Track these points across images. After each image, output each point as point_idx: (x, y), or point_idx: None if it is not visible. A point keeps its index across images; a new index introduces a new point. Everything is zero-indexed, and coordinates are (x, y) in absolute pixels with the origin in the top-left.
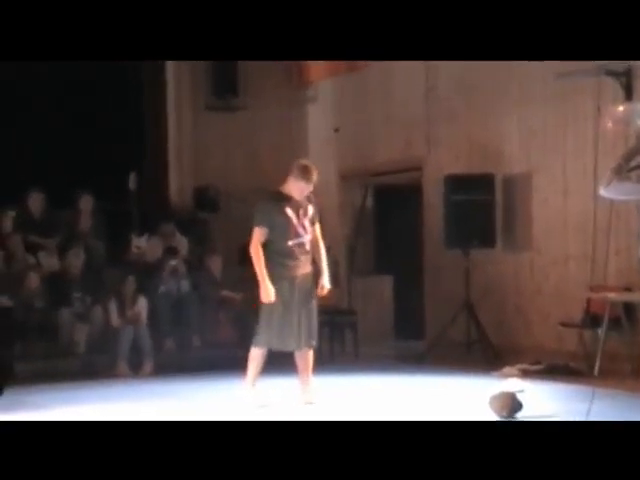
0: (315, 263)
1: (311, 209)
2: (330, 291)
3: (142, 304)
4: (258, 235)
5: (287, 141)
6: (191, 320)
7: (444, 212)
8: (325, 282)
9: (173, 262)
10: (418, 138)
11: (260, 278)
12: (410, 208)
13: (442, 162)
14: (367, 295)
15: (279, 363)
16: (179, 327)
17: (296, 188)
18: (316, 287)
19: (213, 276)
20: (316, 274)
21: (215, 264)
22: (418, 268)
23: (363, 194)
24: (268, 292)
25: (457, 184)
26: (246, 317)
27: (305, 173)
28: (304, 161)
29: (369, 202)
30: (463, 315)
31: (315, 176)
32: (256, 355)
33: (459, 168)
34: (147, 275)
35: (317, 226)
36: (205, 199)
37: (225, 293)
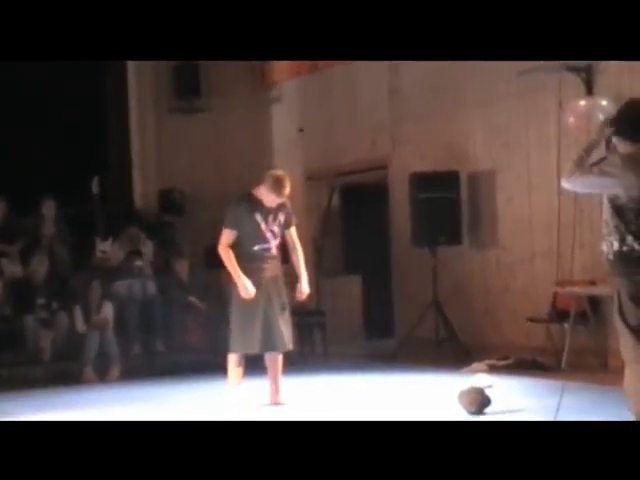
0: (289, 265)
1: (282, 215)
2: (308, 295)
3: (108, 309)
4: (226, 237)
5: (252, 142)
6: (158, 324)
7: (410, 210)
8: (304, 286)
9: (139, 263)
10: (383, 137)
11: (235, 275)
12: (377, 207)
13: (407, 160)
14: (336, 295)
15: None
16: (146, 331)
17: (267, 197)
18: (293, 291)
19: (180, 279)
20: (294, 278)
21: (182, 267)
22: (386, 267)
23: (329, 194)
24: (246, 287)
25: (423, 182)
26: (214, 321)
27: (277, 186)
28: (278, 173)
29: (336, 202)
30: (431, 313)
31: (288, 189)
32: (230, 360)
33: (424, 166)
34: (112, 279)
35: (293, 229)
36: (170, 202)
37: (192, 300)
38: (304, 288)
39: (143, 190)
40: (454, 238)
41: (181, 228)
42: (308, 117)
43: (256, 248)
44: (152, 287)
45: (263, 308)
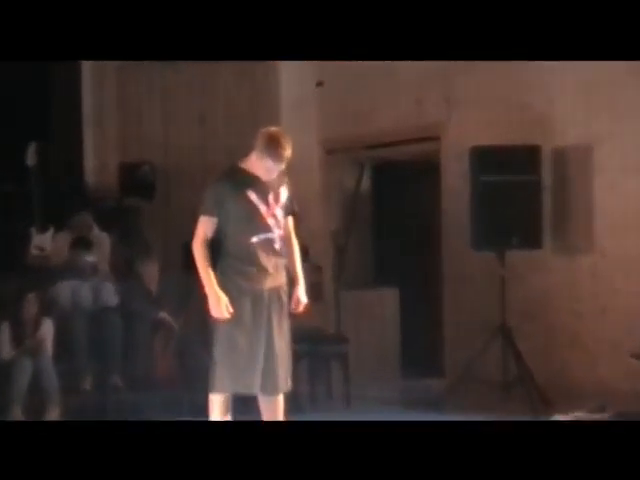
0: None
1: (284, 191)
2: (307, 307)
3: (46, 328)
4: (204, 227)
5: (250, 100)
6: (115, 348)
7: (470, 199)
8: (300, 294)
9: (89, 258)
10: (433, 95)
11: (205, 283)
12: (422, 194)
13: (468, 129)
14: (363, 315)
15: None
16: (98, 358)
17: (261, 167)
18: (289, 302)
19: (146, 287)
20: (288, 284)
21: (149, 270)
22: (434, 277)
23: (357, 174)
24: (218, 303)
25: (488, 160)
26: (192, 346)
27: (273, 147)
28: (271, 130)
29: (365, 185)
30: (497, 343)
31: (288, 151)
32: (215, 402)
33: (491, 138)
34: (53, 286)
35: (290, 218)
36: (136, 181)
37: (162, 316)
38: (301, 296)
39: (97, 163)
40: (531, 239)
41: (149, 216)
42: (329, 66)
43: (254, 240)
44: (108, 294)
45: (265, 332)
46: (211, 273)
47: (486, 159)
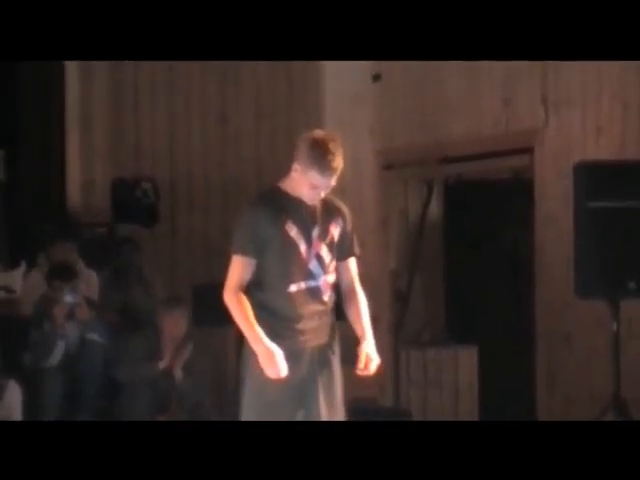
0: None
1: (335, 226)
2: (378, 365)
3: (13, 395)
4: (238, 270)
5: (286, 98)
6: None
7: (574, 231)
8: (370, 350)
9: (69, 298)
10: (526, 94)
11: (251, 338)
12: (510, 223)
13: (571, 139)
14: (430, 382)
15: None
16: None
17: (304, 184)
18: (354, 362)
19: (148, 342)
20: (351, 341)
21: (169, 320)
22: (524, 333)
23: (424, 197)
24: (272, 360)
25: (599, 179)
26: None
27: (319, 155)
28: (317, 133)
29: (435, 210)
30: (609, 419)
31: (339, 160)
32: None
33: (602, 150)
34: (23, 340)
35: (352, 261)
36: (132, 203)
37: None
38: (372, 354)
39: (84, 179)
40: None
41: (150, 249)
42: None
43: (292, 290)
44: (95, 350)
45: (303, 401)
46: (256, 324)
47: (596, 178)
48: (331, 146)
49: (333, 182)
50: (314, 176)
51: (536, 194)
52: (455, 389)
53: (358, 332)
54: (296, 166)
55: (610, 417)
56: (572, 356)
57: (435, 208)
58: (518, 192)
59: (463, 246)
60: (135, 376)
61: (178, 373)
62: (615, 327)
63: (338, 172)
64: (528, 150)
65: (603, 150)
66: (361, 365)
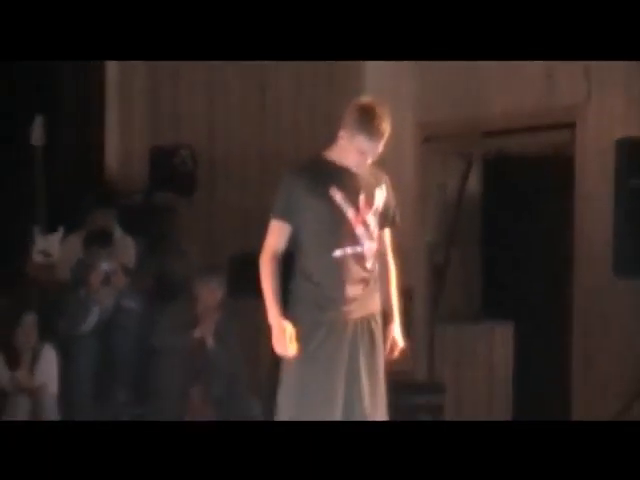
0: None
1: (381, 194)
2: (402, 351)
3: (48, 360)
4: (275, 235)
5: (326, 67)
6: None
7: (615, 209)
8: (396, 334)
9: (105, 265)
10: (569, 68)
11: (269, 310)
12: (550, 199)
13: (614, 114)
14: (465, 357)
15: None
16: (115, 401)
17: (353, 150)
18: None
19: (184, 312)
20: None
21: (205, 290)
22: (561, 311)
23: (463, 170)
24: (282, 336)
25: None
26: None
27: (367, 120)
28: (364, 100)
29: (473, 185)
30: None
31: (386, 125)
32: None
33: None
34: (59, 305)
35: (388, 231)
36: (170, 171)
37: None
38: (397, 336)
39: (122, 147)
40: None
41: (188, 217)
42: None
43: (337, 254)
44: (130, 317)
45: (345, 374)
46: (276, 297)
47: (638, 156)
48: (378, 110)
49: (380, 147)
50: (362, 141)
51: (577, 171)
52: (490, 365)
53: (386, 308)
54: (342, 133)
55: None
56: (609, 336)
57: (474, 182)
58: (558, 168)
59: (501, 222)
60: (170, 344)
61: (211, 342)
62: None
63: (385, 137)
64: (569, 125)
65: None
66: (387, 350)
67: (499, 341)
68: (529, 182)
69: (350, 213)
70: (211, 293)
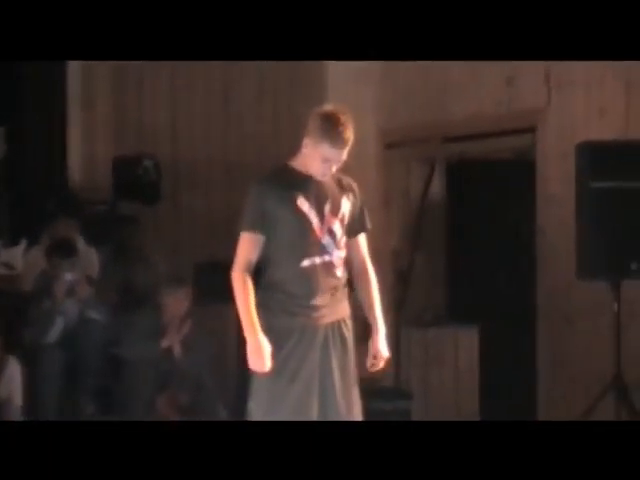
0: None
1: (346, 201)
2: (387, 361)
3: (12, 372)
4: (246, 248)
5: (288, 74)
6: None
7: (576, 211)
8: (380, 345)
9: (68, 276)
10: (529, 73)
11: (245, 325)
12: (512, 203)
13: (574, 118)
14: (430, 362)
15: None
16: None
17: (317, 158)
18: (359, 343)
19: (148, 321)
20: (359, 327)
21: (172, 300)
22: (525, 314)
23: (426, 176)
24: (259, 354)
25: (602, 160)
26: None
27: (330, 127)
28: (328, 107)
29: (436, 190)
30: (608, 403)
31: (349, 132)
32: None
33: (605, 130)
34: (23, 316)
35: (362, 238)
36: (134, 180)
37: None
38: (381, 348)
39: (85, 156)
40: None
41: (151, 227)
42: None
43: (305, 264)
44: (94, 328)
45: (320, 382)
46: (254, 312)
47: (598, 158)
48: (342, 118)
49: (344, 155)
50: (325, 149)
51: (538, 174)
52: (456, 370)
53: (369, 319)
54: (307, 141)
55: (610, 398)
56: (573, 338)
57: (437, 188)
58: (520, 172)
59: (465, 226)
60: (137, 354)
61: (178, 351)
62: (616, 308)
63: (349, 145)
64: (531, 130)
65: (606, 130)
66: (371, 362)
67: (465, 345)
68: (492, 186)
69: (316, 222)
70: (178, 303)
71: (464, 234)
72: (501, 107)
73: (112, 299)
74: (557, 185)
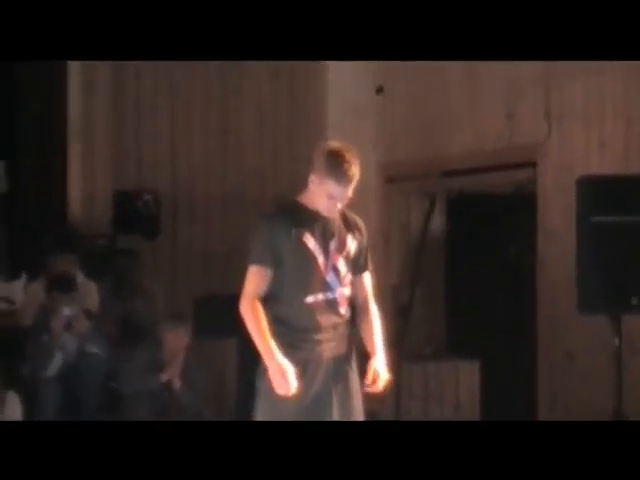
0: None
1: (352, 239)
2: (387, 382)
3: (12, 407)
4: (255, 281)
5: (289, 110)
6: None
7: (577, 246)
8: (378, 366)
9: (67, 310)
10: (529, 108)
11: (264, 353)
12: (513, 237)
13: (574, 153)
14: (430, 396)
15: None
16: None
17: (323, 195)
18: (362, 379)
19: (154, 357)
20: (362, 357)
21: (172, 337)
22: (526, 349)
23: (426, 210)
24: (284, 377)
25: (602, 194)
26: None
27: (335, 164)
28: (333, 143)
29: (437, 224)
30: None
31: (355, 169)
32: None
33: (606, 164)
34: (23, 350)
35: (367, 276)
36: (134, 214)
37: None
38: (381, 371)
39: (85, 191)
40: None
41: (151, 261)
42: (393, 68)
43: (309, 301)
44: (93, 362)
45: (318, 414)
46: (269, 337)
47: (599, 193)
48: (347, 155)
49: (350, 192)
50: (331, 186)
51: (539, 208)
52: (456, 404)
53: (369, 347)
54: (313, 177)
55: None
56: (574, 372)
57: (437, 222)
58: (521, 206)
59: (465, 260)
60: (136, 388)
61: (177, 385)
62: (617, 343)
63: (354, 181)
64: (531, 164)
65: (606, 164)
66: (369, 381)
67: (465, 379)
68: (492, 220)
69: (321, 259)
70: (177, 340)
71: (464, 268)
72: (501, 141)
73: (111, 333)
74: (557, 219)
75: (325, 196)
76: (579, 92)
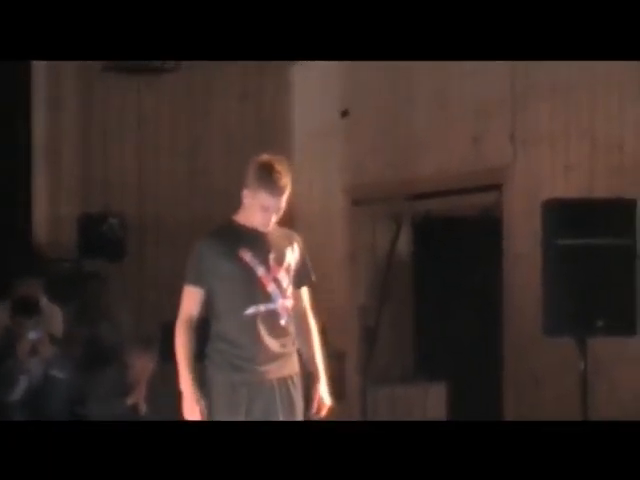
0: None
1: (291, 252)
2: (330, 409)
3: None
4: (188, 301)
5: (255, 132)
6: None
7: (543, 269)
8: (322, 393)
9: (32, 334)
10: (495, 131)
11: (181, 378)
12: (478, 260)
13: (539, 176)
14: (400, 418)
15: None
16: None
17: (257, 208)
18: (307, 404)
19: (120, 382)
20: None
21: (139, 361)
22: (493, 371)
23: (393, 233)
24: (193, 408)
25: (567, 217)
26: None
27: (265, 175)
28: (265, 157)
29: (404, 246)
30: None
31: (285, 180)
32: None
33: (571, 188)
34: None
35: (305, 291)
36: (99, 238)
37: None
38: (323, 395)
39: (50, 213)
40: (622, 323)
41: (117, 284)
42: (358, 91)
43: (250, 311)
44: (58, 386)
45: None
46: (190, 366)
47: (564, 216)
48: (277, 166)
49: (283, 203)
50: (263, 197)
51: (504, 231)
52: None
53: (310, 368)
54: (246, 192)
55: None
56: (540, 395)
57: (403, 244)
58: (486, 229)
59: (431, 283)
60: (103, 412)
61: (143, 409)
62: (582, 366)
63: (286, 192)
64: (496, 187)
65: (572, 188)
66: (314, 410)
67: (432, 401)
68: (458, 243)
69: (260, 271)
70: (144, 364)
71: (431, 291)
72: (467, 165)
73: (77, 357)
74: (523, 242)
75: (259, 209)
76: (544, 115)
